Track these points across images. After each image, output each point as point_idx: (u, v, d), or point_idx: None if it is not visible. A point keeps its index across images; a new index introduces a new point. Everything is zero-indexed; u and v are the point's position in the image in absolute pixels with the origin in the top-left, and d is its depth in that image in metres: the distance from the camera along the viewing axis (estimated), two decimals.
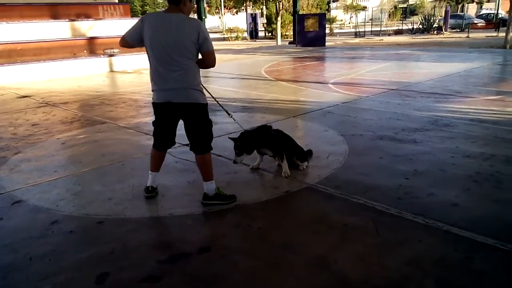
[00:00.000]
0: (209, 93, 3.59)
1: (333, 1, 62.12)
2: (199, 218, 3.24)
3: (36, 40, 11.73)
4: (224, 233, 3.01)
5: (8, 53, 11.45)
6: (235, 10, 49.90)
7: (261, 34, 36.90)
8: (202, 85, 3.32)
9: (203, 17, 18.63)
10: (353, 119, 6.02)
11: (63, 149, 5.08)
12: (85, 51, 12.87)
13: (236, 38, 34.74)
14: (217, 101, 3.95)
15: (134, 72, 12.51)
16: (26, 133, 5.77)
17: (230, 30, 35.51)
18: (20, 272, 2.58)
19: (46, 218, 3.26)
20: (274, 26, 30.98)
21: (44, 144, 5.24)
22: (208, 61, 3.17)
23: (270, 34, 34.74)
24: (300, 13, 22.97)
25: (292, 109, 6.89)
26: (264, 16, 37.10)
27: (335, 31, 38.00)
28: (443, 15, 32.99)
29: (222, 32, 41.76)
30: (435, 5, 39.57)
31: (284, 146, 4.05)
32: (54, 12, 12.65)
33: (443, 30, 29.66)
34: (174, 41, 3.04)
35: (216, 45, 20.32)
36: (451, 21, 31.92)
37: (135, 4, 35.85)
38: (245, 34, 36.16)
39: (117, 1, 14.97)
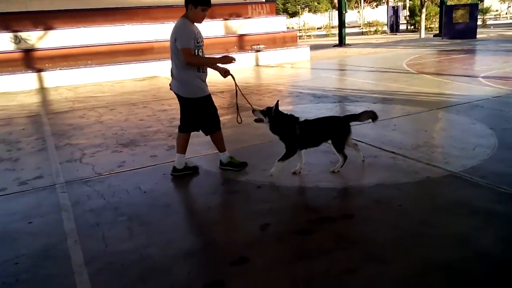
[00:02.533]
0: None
1: None
2: (342, 192, 3.61)
3: None
4: (366, 206, 3.31)
5: (166, 49, 13.28)
6: (375, 4, 48.46)
7: (402, 27, 35.20)
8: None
9: (343, 12, 18.70)
10: (505, 114, 5.67)
11: (224, 129, 5.85)
12: (235, 47, 14.20)
13: (375, 32, 33.78)
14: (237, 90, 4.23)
15: (277, 66, 13.37)
16: None
17: (369, 24, 34.65)
18: (200, 216, 3.30)
19: (216, 180, 4.00)
20: (417, 18, 29.25)
21: None
22: (182, 57, 3.62)
23: (412, 27, 32.91)
24: (448, 3, 21.38)
25: (436, 102, 6.73)
26: (407, 8, 35.22)
27: (488, 22, 34.15)
28: None
29: (360, 26, 41.00)
30: None
31: (299, 143, 3.89)
32: (211, 12, 14.16)
33: None
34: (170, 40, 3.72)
35: (353, 39, 20.28)
36: None
37: (277, 2, 37.38)
38: (385, 28, 34.92)
39: (264, 0, 16.06)
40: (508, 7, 44.40)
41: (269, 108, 3.89)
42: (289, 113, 4.01)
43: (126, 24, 12.87)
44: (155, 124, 6.35)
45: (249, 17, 14.87)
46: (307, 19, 42.33)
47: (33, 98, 9.77)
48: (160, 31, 12.43)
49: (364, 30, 35.29)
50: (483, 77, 8.65)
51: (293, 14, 42.80)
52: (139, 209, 3.52)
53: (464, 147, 4.45)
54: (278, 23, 15.48)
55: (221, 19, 14.27)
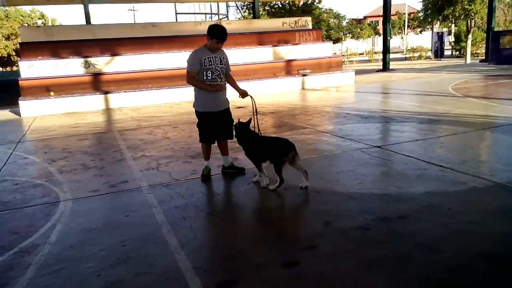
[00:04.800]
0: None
1: None
2: (395, 197, 4.02)
3: (245, 63, 14.20)
4: (418, 209, 3.71)
5: None
6: (419, 30, 48.34)
7: (447, 53, 35.03)
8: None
9: (388, 38, 19.12)
10: None
11: None
12: (282, 72, 14.93)
13: (419, 57, 33.81)
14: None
15: (322, 90, 13.92)
16: None
17: (413, 50, 34.74)
18: (270, 213, 3.82)
19: (281, 186, 4.51)
20: (463, 44, 29.16)
21: None
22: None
23: (457, 52, 32.73)
24: (495, 29, 21.29)
25: (482, 123, 7.00)
26: (452, 34, 35.09)
27: None
28: None
29: (403, 52, 41.04)
30: None
31: (252, 155, 4.49)
32: (261, 39, 15.11)
33: None
34: None
35: (396, 65, 20.58)
36: None
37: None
38: (429, 54, 34.88)
39: (311, 28, 16.82)
40: None
41: (239, 123, 4.63)
42: (252, 130, 4.62)
43: (183, 51, 13.90)
44: None
45: (297, 44, 15.63)
46: (349, 45, 42.94)
47: (101, 117, 10.81)
48: None
49: (407, 55, 35.38)
50: None
51: (336, 40, 43.53)
52: (216, 207, 4.12)
53: (509, 163, 4.76)
54: (324, 49, 16.13)
55: (270, 45, 15.11)
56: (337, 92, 13.43)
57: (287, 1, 26.00)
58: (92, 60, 13.22)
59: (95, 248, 3.35)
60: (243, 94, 4.86)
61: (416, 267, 2.78)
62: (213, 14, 26.54)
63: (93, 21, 17.62)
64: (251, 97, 4.86)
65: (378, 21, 60.13)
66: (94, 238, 3.56)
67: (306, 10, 26.87)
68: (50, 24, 40.67)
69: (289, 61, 15.06)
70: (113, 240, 3.48)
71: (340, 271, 2.80)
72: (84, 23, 15.53)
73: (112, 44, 13.77)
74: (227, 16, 26.51)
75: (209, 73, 4.59)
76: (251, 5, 27.18)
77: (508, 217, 3.42)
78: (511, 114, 7.50)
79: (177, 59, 13.84)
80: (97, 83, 12.91)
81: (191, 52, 4.64)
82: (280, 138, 4.65)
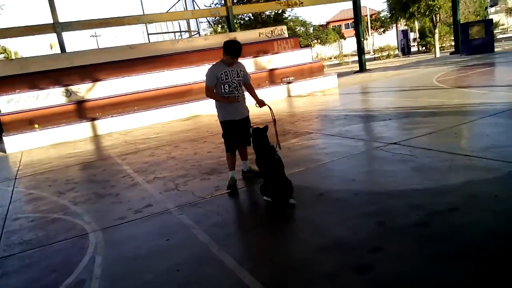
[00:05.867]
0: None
1: (491, 6, 56.68)
2: (436, 190, 3.99)
3: None
4: (465, 199, 3.69)
5: (204, 90, 14.07)
6: (382, 30, 49.72)
7: (413, 49, 36.08)
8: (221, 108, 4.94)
9: (362, 39, 19.57)
10: None
11: (292, 152, 6.40)
12: (266, 82, 14.94)
13: (387, 56, 34.66)
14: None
15: (309, 95, 13.99)
16: None
17: (381, 49, 35.62)
18: (317, 219, 3.73)
19: (312, 192, 4.43)
20: (428, 39, 30.15)
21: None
22: None
23: (424, 48, 33.78)
24: (460, 22, 22.12)
25: (483, 110, 7.12)
26: (417, 30, 36.23)
27: (498, 36, 34.84)
28: None
29: (369, 52, 42.01)
30: None
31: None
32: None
33: None
34: None
35: (370, 65, 21.02)
36: None
37: None
38: (397, 52, 35.82)
39: (287, 36, 16.97)
40: None
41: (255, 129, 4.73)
42: (265, 138, 4.63)
43: (165, 70, 13.74)
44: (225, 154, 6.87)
45: (276, 52, 15.72)
46: (318, 50, 43.62)
47: (93, 145, 10.48)
48: (197, 74, 13.17)
49: (376, 55, 36.22)
50: None
51: (305, 47, 44.13)
52: (256, 220, 4.00)
53: None
54: (304, 55, 16.27)
55: (251, 56, 15.11)
56: (324, 96, 13.52)
57: (258, 12, 26.20)
58: (73, 88, 12.85)
59: (149, 276, 3.17)
60: (260, 103, 4.99)
61: (494, 255, 2.75)
62: (184, 31, 26.46)
63: (55, 51, 17.13)
64: (268, 106, 4.96)
65: (340, 25, 61.68)
66: (142, 266, 3.36)
67: (279, 19, 27.17)
68: (13, 57, 39.50)
69: (271, 70, 15.11)
70: (164, 266, 3.30)
71: (417, 269, 2.73)
72: (51, 52, 15.10)
73: (92, 70, 13.44)
74: (198, 33, 26.45)
75: (226, 87, 4.82)
76: (223, 19, 27.33)
77: None
78: (505, 100, 7.71)
79: (160, 79, 13.70)
80: (81, 110, 12.53)
81: (209, 68, 4.87)
82: (270, 149, 4.54)
